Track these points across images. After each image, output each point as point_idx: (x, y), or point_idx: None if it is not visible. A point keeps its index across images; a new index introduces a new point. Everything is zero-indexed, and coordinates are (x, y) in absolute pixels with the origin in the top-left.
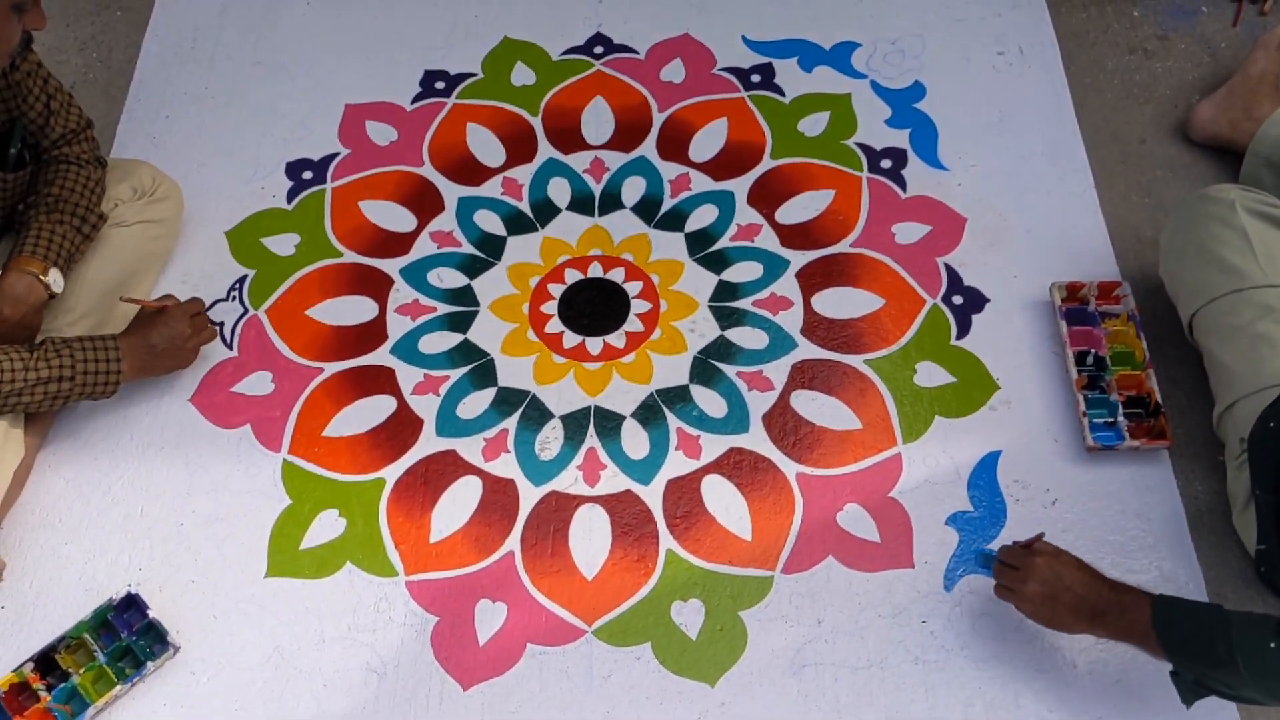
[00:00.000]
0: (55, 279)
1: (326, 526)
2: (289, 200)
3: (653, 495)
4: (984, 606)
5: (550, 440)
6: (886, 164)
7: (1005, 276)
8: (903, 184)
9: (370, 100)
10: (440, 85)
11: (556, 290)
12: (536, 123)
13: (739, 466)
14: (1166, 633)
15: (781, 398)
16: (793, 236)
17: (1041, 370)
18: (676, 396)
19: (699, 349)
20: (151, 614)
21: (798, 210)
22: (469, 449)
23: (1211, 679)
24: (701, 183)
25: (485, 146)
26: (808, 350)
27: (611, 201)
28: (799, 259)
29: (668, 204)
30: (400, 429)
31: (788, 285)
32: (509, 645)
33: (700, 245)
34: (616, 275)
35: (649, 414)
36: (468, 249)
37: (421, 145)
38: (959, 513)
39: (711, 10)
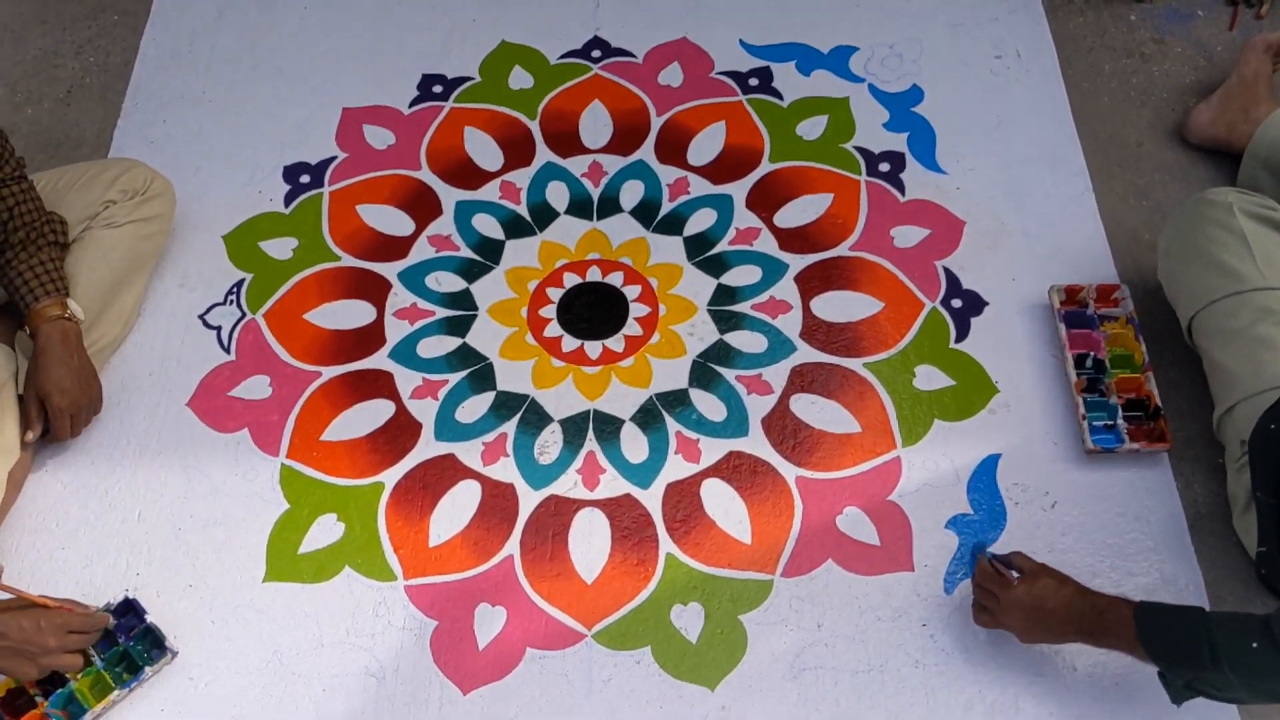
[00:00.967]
0: (75, 308)
1: (325, 531)
2: (286, 204)
3: (652, 499)
4: None
5: (549, 444)
6: (885, 167)
7: (1004, 280)
8: (901, 187)
9: (368, 104)
10: (438, 89)
11: (555, 294)
12: (534, 126)
13: (738, 470)
14: (1152, 643)
15: (781, 401)
16: (791, 240)
17: (1041, 373)
18: (676, 400)
19: (698, 353)
20: (149, 619)
21: (796, 214)
22: (468, 453)
23: (1201, 681)
24: (700, 186)
25: (483, 150)
26: (807, 354)
27: (610, 205)
28: (798, 262)
29: (666, 208)
30: (399, 433)
31: (787, 289)
32: (508, 649)
33: (699, 249)
34: (615, 279)
35: (648, 418)
36: (466, 253)
37: (419, 149)
38: (959, 516)
39: (709, 14)
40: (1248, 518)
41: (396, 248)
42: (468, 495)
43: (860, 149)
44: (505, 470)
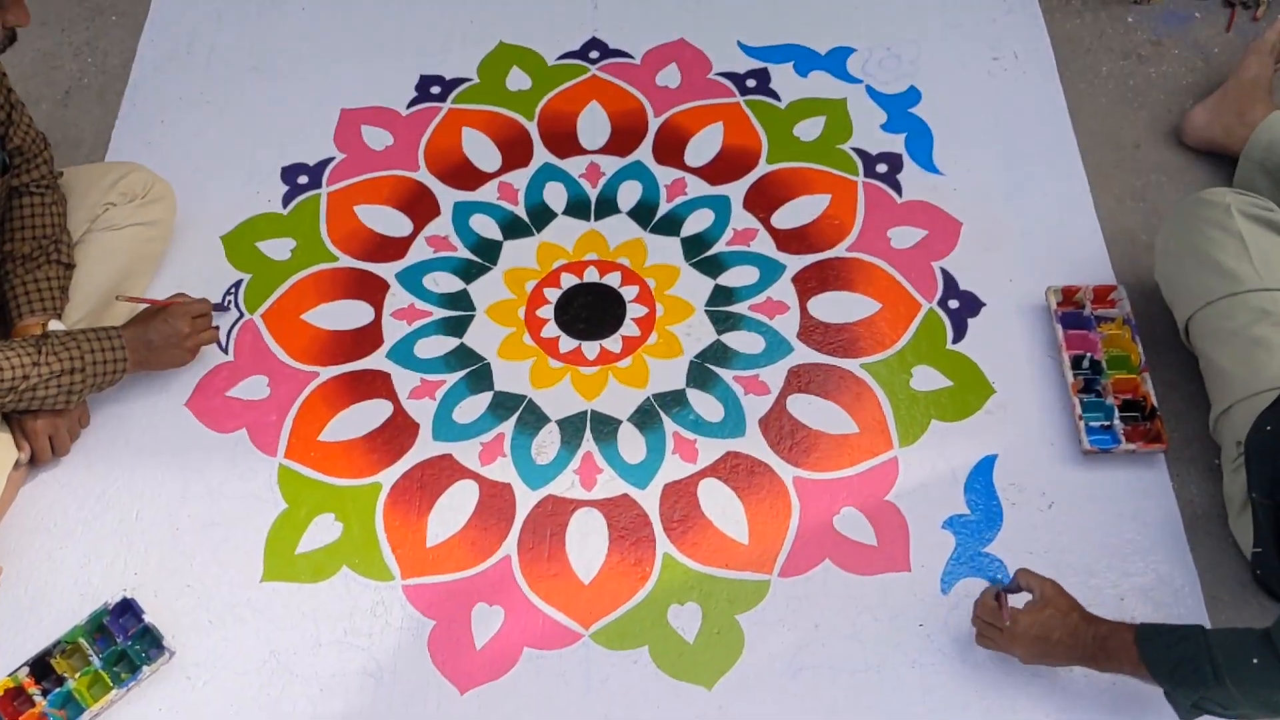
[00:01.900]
0: (57, 328)
1: (323, 531)
2: (284, 205)
3: (649, 499)
4: None
5: (547, 444)
6: (882, 168)
7: (1001, 281)
8: (898, 188)
9: (366, 105)
10: (436, 90)
11: (553, 295)
12: (532, 127)
13: (736, 470)
14: (1156, 665)
15: (778, 402)
16: (789, 241)
17: (1037, 374)
18: (673, 400)
19: (695, 353)
20: (147, 618)
21: (794, 215)
22: (465, 453)
23: (1207, 699)
24: (697, 187)
25: (481, 151)
26: (804, 354)
27: (607, 206)
28: (795, 263)
29: (664, 208)
30: (397, 433)
31: (784, 289)
32: (506, 649)
33: (696, 250)
34: (613, 280)
35: (646, 418)
36: (464, 253)
37: (417, 150)
38: (955, 516)
39: (707, 15)
40: (1244, 518)
41: (394, 248)
42: (465, 495)
43: (858, 150)
44: (503, 470)
